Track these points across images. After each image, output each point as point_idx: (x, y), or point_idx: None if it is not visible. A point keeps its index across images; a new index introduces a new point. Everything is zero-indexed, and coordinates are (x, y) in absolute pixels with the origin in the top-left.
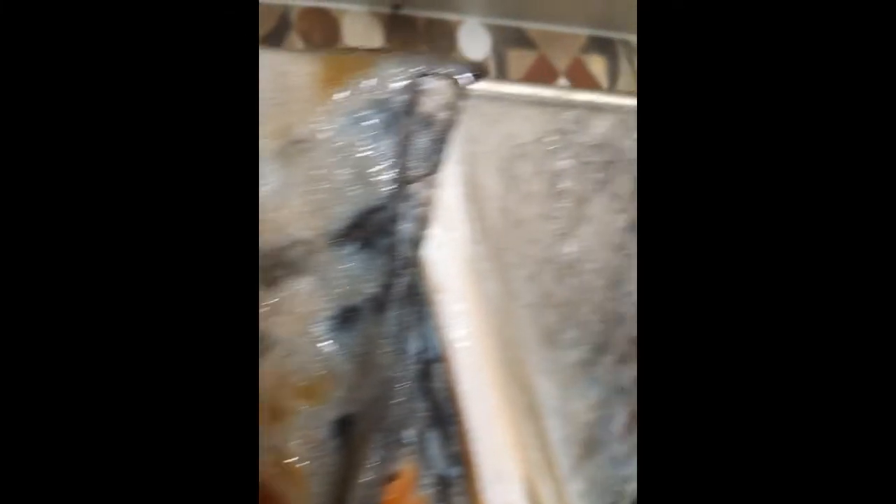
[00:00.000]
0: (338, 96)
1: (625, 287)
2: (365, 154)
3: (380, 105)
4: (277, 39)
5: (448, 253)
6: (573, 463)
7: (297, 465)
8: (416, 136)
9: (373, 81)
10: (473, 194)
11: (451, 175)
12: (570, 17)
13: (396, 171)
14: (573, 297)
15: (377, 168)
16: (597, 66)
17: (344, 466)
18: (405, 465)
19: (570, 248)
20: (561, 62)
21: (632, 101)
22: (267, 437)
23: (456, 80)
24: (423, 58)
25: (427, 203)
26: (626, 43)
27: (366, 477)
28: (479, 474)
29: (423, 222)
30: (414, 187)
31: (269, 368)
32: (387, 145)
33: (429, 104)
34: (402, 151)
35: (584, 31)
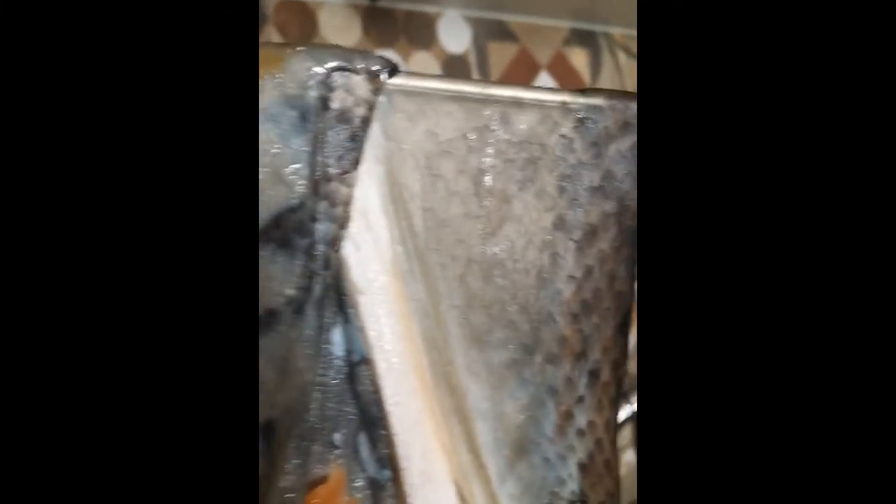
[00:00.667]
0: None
1: (552, 286)
2: (279, 152)
3: (292, 101)
4: None
5: (369, 253)
6: (504, 464)
7: None
8: (332, 133)
9: (285, 77)
10: (394, 193)
11: (371, 173)
12: (552, 9)
13: (312, 169)
14: (500, 297)
15: (292, 166)
16: (579, 59)
17: (263, 472)
18: (333, 469)
19: (495, 248)
20: (543, 55)
21: (556, 97)
22: None
23: (371, 74)
24: (337, 52)
25: (345, 202)
26: (607, 35)
27: (288, 482)
28: (409, 477)
29: (341, 222)
30: (331, 186)
31: None
32: (301, 143)
33: (343, 100)
34: (318, 149)
35: (566, 24)
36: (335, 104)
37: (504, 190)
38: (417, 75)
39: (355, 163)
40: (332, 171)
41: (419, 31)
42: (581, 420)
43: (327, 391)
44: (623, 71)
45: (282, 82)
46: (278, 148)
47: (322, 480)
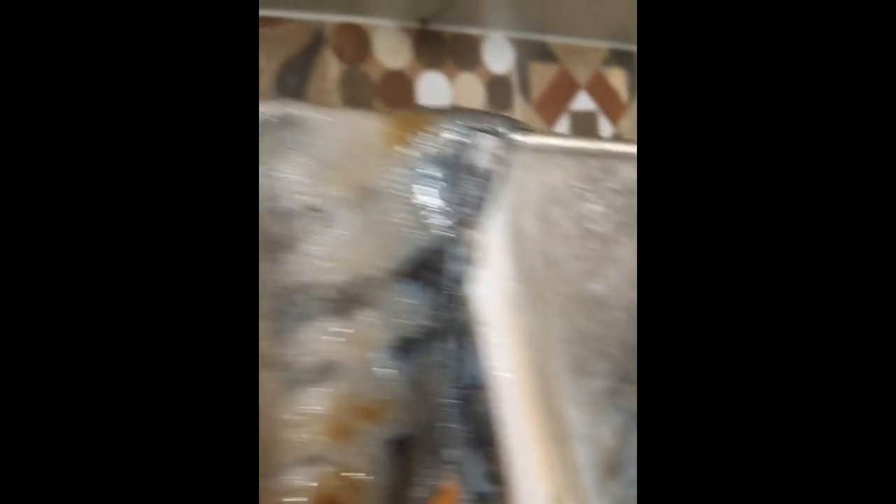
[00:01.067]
0: (401, 150)
1: None
2: (423, 201)
3: (437, 158)
4: (313, 53)
5: (491, 290)
6: (597, 484)
7: (359, 479)
8: (468, 185)
9: (432, 137)
10: (514, 237)
11: (496, 219)
12: (591, 31)
13: (449, 216)
14: (601, 332)
15: (433, 214)
16: (617, 78)
17: (398, 482)
18: (449, 482)
19: (598, 286)
20: (582, 75)
21: None
22: (334, 452)
23: (501, 134)
24: (476, 115)
25: (475, 245)
26: None
27: (416, 492)
28: (514, 493)
29: (470, 262)
30: (463, 230)
31: (336, 391)
32: (442, 193)
33: (480, 157)
34: (455, 199)
35: (605, 45)
36: (471, 160)
37: (607, 234)
38: (536, 133)
39: (485, 211)
40: (466, 218)
41: (465, 53)
42: None
43: (449, 412)
44: None
45: (429, 141)
46: (422, 198)
47: (440, 492)
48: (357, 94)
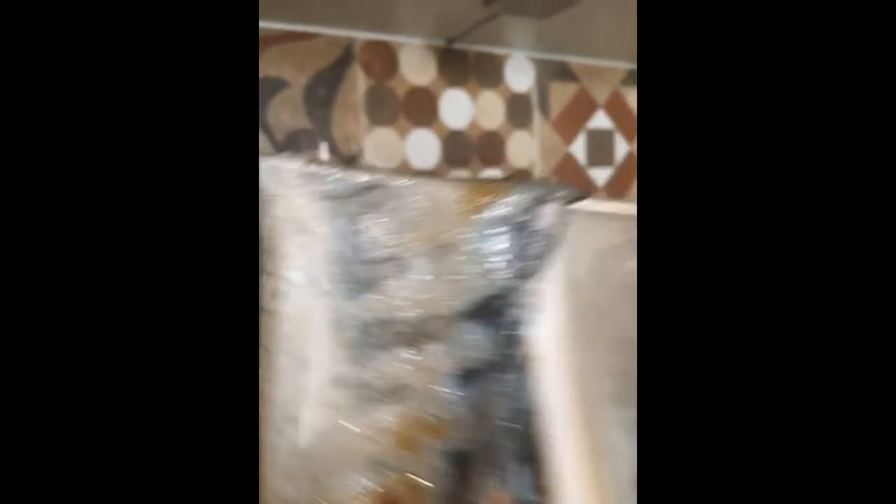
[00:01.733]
0: (473, 213)
1: None
2: (491, 256)
3: (503, 219)
4: (342, 68)
5: (546, 331)
6: (634, 499)
7: (421, 484)
8: (529, 243)
9: (500, 202)
10: (568, 287)
11: (552, 271)
12: (611, 52)
13: (511, 268)
14: None
15: (497, 266)
16: (634, 98)
17: (455, 489)
18: (499, 492)
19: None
20: (601, 95)
21: None
22: (400, 460)
23: (563, 201)
24: (541, 185)
25: (534, 293)
26: None
27: (470, 498)
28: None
29: (529, 307)
30: (524, 281)
31: (407, 409)
32: (506, 250)
33: (543, 220)
34: (517, 254)
35: (624, 65)
36: (533, 223)
37: None
38: (591, 199)
39: (544, 265)
40: (527, 271)
41: (488, 72)
42: None
43: (503, 432)
44: None
45: (498, 206)
46: (490, 253)
47: (492, 499)
48: (382, 107)
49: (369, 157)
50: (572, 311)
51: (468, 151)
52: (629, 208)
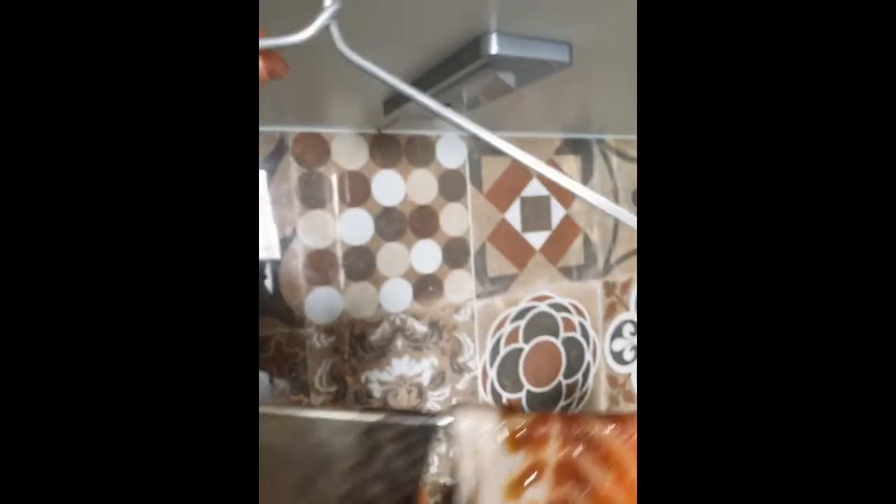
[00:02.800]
0: None
1: None
2: None
3: None
4: (275, 161)
5: None
6: None
7: None
8: None
9: None
10: None
11: None
12: (544, 125)
13: None
14: None
15: None
16: (569, 164)
17: None
18: None
19: None
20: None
21: None
22: None
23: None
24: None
25: None
26: (600, 141)
27: None
28: None
29: None
30: None
31: None
32: None
33: None
34: None
35: (558, 136)
36: None
37: None
38: None
39: None
40: None
41: (420, 152)
42: None
43: None
44: (615, 173)
45: None
46: None
47: None
48: (315, 192)
49: (303, 238)
50: None
51: (401, 225)
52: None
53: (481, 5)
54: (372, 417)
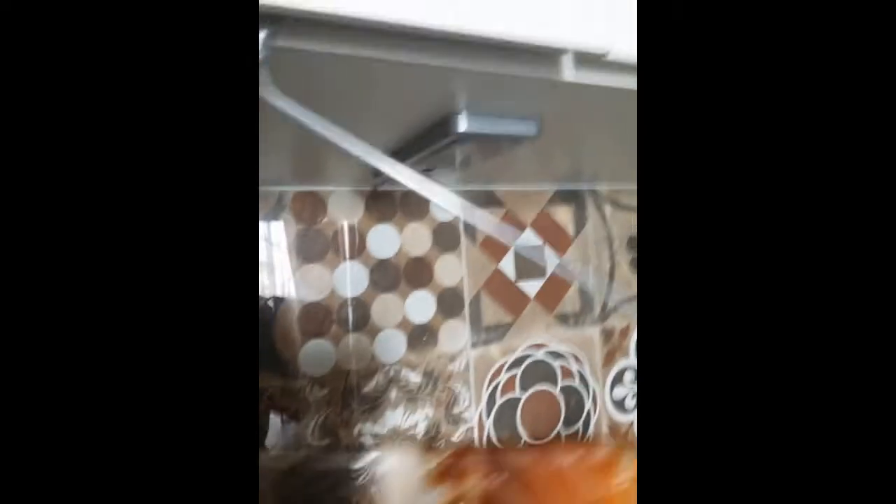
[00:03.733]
0: None
1: None
2: None
3: None
4: (272, 218)
5: None
6: None
7: None
8: None
9: None
10: None
11: None
12: (537, 177)
13: None
14: None
15: None
16: (562, 215)
17: None
18: None
19: None
20: (528, 216)
21: None
22: None
23: None
24: None
25: None
26: (593, 192)
27: None
28: None
29: None
30: None
31: None
32: None
33: None
34: None
35: (550, 188)
36: None
37: None
38: None
39: None
40: None
41: (414, 207)
42: None
43: None
44: (609, 222)
45: None
46: None
47: None
48: (311, 247)
49: (299, 291)
50: None
51: (395, 277)
52: None
53: (452, 87)
54: (296, 457)
